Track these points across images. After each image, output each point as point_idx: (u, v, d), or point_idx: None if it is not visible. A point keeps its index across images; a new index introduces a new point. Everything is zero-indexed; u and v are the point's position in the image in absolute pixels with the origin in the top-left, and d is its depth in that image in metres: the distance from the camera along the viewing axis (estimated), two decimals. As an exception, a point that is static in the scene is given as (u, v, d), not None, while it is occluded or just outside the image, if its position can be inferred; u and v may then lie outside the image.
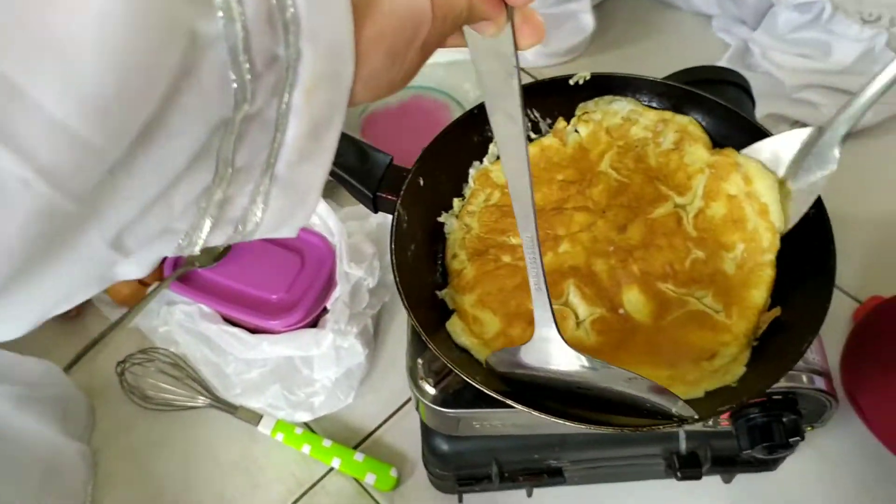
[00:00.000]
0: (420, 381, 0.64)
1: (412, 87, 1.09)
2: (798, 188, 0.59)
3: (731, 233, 0.62)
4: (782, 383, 0.63)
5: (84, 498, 0.81)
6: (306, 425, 0.87)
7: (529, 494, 0.80)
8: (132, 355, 0.89)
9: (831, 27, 1.02)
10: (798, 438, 0.64)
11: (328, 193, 0.95)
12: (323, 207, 0.88)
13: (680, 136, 0.65)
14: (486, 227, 0.65)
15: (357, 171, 0.64)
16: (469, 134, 0.68)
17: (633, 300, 0.61)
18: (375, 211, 0.65)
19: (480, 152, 0.68)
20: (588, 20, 1.13)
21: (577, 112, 0.68)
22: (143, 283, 0.91)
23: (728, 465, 0.75)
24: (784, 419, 0.64)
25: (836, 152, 0.56)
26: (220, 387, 0.88)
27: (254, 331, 0.85)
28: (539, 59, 1.12)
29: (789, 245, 0.61)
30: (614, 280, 0.62)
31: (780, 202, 0.62)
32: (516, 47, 0.33)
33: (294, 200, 0.30)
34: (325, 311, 0.86)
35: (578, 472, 0.77)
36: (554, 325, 0.50)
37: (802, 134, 0.59)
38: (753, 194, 0.62)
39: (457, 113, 1.04)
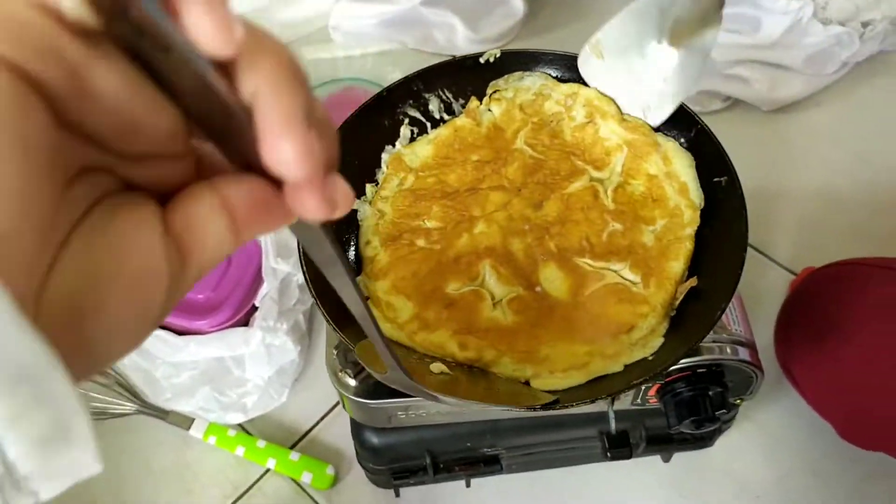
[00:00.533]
0: (339, 374, 0.63)
1: (343, 80, 1.07)
2: (689, 48, 0.60)
3: (651, 209, 0.62)
4: (707, 356, 0.62)
5: (8, 514, 0.78)
6: (240, 427, 0.85)
7: (468, 485, 0.78)
8: (57, 364, 0.87)
9: (759, 1, 1.02)
10: (725, 411, 0.63)
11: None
12: (248, 203, 0.86)
13: (588, 110, 0.64)
14: (399, 212, 0.64)
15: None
16: (380, 117, 0.66)
17: (550, 277, 0.60)
18: (285, 200, 0.63)
19: (392, 136, 0.66)
20: (518, 4, 1.11)
21: (489, 90, 0.66)
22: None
23: (664, 443, 0.74)
24: (710, 392, 0.63)
25: (721, 12, 0.58)
26: (149, 392, 0.85)
27: (181, 332, 0.82)
28: (470, 46, 1.11)
29: (705, 215, 0.60)
30: (531, 258, 0.60)
31: (696, 179, 0.62)
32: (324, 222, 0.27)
33: (69, 479, 0.24)
34: (254, 308, 0.84)
35: (515, 460, 0.75)
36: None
37: None
38: (673, 174, 0.62)
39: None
